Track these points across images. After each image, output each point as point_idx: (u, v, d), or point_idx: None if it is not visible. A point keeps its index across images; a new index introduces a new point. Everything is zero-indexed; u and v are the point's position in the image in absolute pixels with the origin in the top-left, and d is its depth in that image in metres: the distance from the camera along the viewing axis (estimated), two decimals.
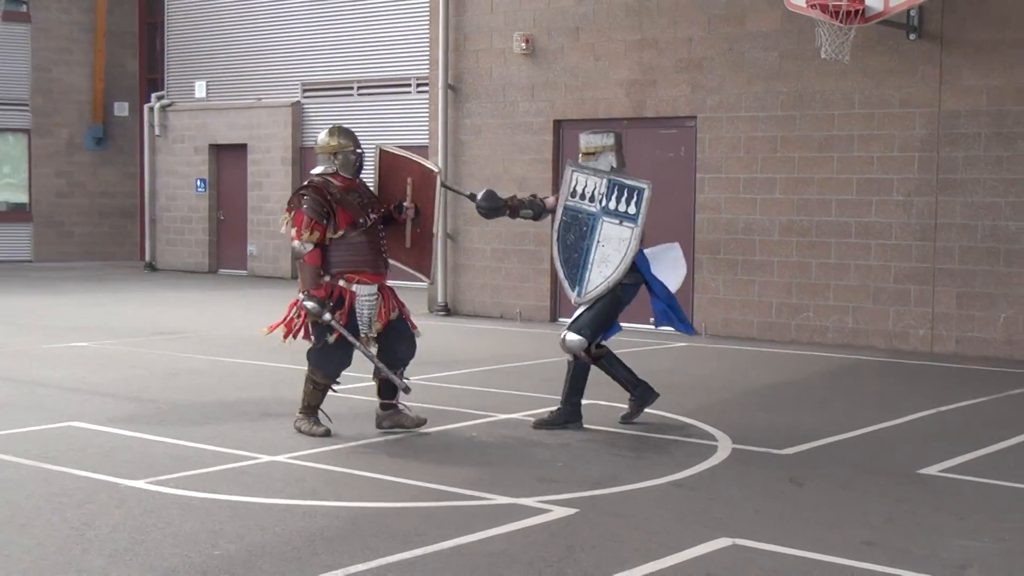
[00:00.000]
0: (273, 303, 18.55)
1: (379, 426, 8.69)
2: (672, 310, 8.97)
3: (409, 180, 8.78)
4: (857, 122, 14.10)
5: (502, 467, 7.65)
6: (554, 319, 16.15)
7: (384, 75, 22.10)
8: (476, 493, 6.86)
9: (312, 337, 8.46)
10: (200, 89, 25.04)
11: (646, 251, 9.07)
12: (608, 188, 8.86)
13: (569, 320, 9.13)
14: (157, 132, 25.59)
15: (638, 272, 8.94)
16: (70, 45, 27.18)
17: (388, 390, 8.68)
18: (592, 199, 8.89)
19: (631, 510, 6.57)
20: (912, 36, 13.70)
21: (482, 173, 16.94)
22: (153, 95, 26.07)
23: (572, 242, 8.92)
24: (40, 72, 26.83)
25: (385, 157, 9.09)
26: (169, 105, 25.55)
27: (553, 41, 16.29)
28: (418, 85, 21.19)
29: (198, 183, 24.93)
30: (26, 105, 26.78)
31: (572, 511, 6.48)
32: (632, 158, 15.59)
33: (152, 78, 27.57)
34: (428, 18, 17.90)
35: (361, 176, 8.75)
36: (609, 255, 8.82)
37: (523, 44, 16.40)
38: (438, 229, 8.93)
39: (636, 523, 6.30)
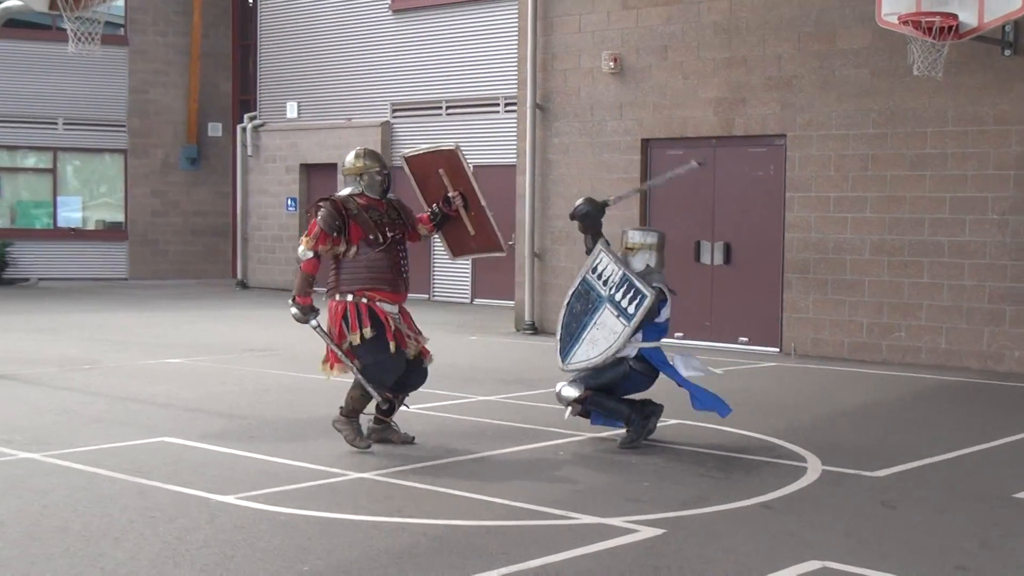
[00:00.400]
0: None
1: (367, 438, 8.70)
2: (704, 394, 8.88)
3: (441, 171, 9.00)
4: (950, 140, 13.90)
5: (588, 486, 7.63)
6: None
7: (472, 95, 22.23)
8: (562, 512, 6.84)
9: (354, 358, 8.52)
10: (292, 110, 25.38)
11: (677, 357, 8.98)
12: (620, 281, 8.88)
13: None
14: (249, 152, 25.97)
15: (647, 363, 8.90)
16: (166, 67, 27.71)
17: (387, 409, 8.74)
18: (606, 283, 8.95)
19: (719, 531, 6.51)
20: (1007, 52, 13.47)
21: (569, 192, 16.94)
22: (246, 116, 26.47)
23: (576, 312, 9.06)
24: (137, 94, 27.38)
25: (412, 163, 9.30)
26: (261, 125, 25.92)
27: (641, 60, 16.27)
28: (506, 104, 21.28)
29: (289, 202, 25.25)
30: (123, 126, 27.33)
31: (659, 531, 6.44)
32: (720, 177, 15.63)
33: (245, 99, 28.01)
34: (516, 38, 17.98)
35: (392, 195, 8.95)
36: (598, 340, 8.87)
37: (611, 63, 16.40)
38: (487, 206, 9.12)
39: (724, 544, 6.24)
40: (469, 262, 22.25)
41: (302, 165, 25.06)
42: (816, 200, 14.84)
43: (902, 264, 14.23)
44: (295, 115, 25.31)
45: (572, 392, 8.89)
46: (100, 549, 5.98)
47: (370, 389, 8.52)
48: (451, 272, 22.60)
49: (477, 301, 22.13)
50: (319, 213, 8.54)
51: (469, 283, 22.36)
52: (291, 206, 25.14)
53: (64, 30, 12.14)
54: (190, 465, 7.99)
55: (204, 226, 28.29)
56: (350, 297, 8.54)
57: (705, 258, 15.76)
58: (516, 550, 6.04)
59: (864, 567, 5.84)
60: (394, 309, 8.68)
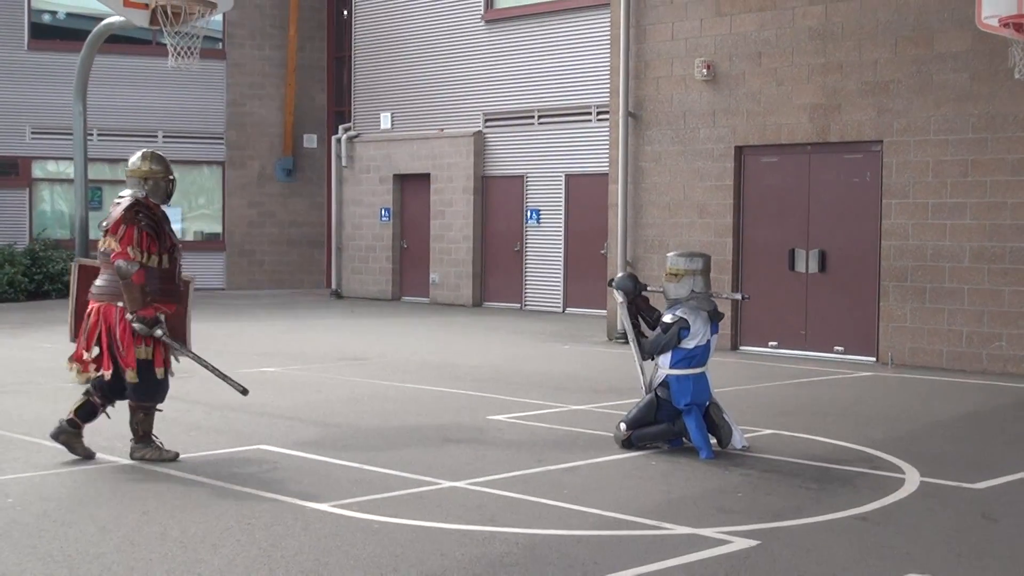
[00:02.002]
0: (454, 330, 18.80)
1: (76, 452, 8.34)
2: (699, 437, 8.82)
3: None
4: None
5: (681, 496, 7.58)
6: (735, 347, 15.95)
7: (565, 103, 22.23)
8: (654, 522, 6.80)
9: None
10: (385, 120, 25.60)
11: (736, 431, 9.04)
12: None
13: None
14: (344, 163, 26.23)
15: (667, 389, 9.00)
16: (262, 80, 28.13)
17: (85, 412, 8.34)
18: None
19: (814, 543, 6.42)
20: None
21: (661, 200, 16.88)
22: (340, 127, 26.75)
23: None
24: (234, 107, 27.83)
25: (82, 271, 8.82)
26: (356, 136, 26.18)
27: (735, 67, 16.15)
28: (598, 113, 21.26)
29: (382, 212, 25.46)
30: (221, 138, 27.79)
31: (753, 543, 6.37)
32: (816, 183, 15.46)
33: (339, 110, 28.33)
34: (609, 46, 17.95)
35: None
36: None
37: (704, 70, 16.30)
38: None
39: (820, 557, 6.16)
40: (562, 271, 22.26)
41: (395, 175, 25.26)
42: (914, 207, 14.60)
43: (1003, 271, 13.95)
44: (389, 126, 25.52)
45: (620, 431, 9.07)
46: (198, 555, 6.07)
47: (233, 383, 8.49)
48: (543, 281, 22.62)
49: (569, 310, 22.11)
50: (140, 220, 8.14)
51: (561, 292, 22.35)
52: (385, 216, 25.35)
53: (164, 45, 12.36)
54: (285, 473, 8.08)
55: (299, 236, 28.65)
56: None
57: (800, 266, 15.59)
58: (607, 560, 6.02)
59: None
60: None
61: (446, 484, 7.77)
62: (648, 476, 8.19)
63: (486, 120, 23.63)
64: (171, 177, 8.55)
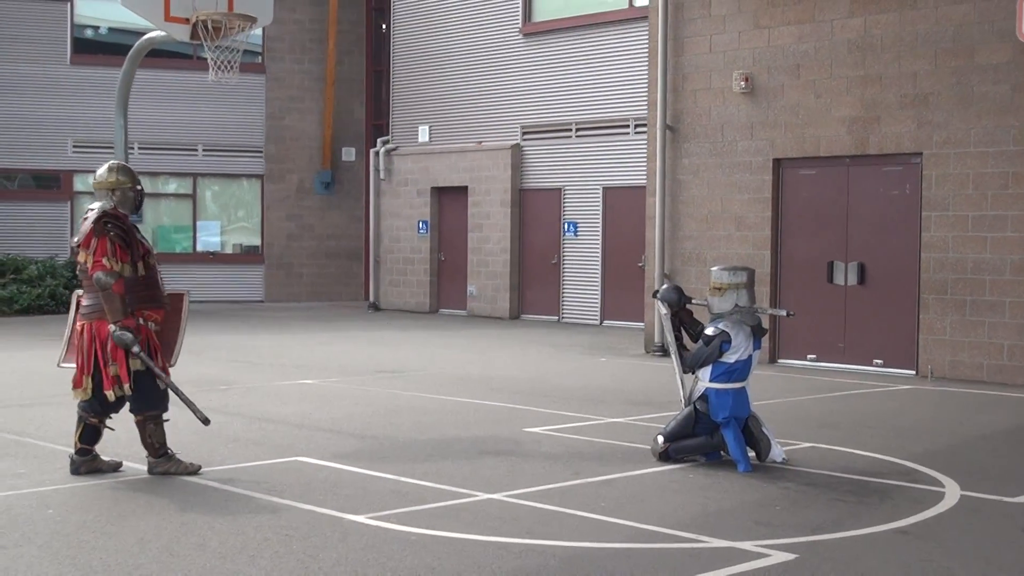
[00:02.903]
0: (492, 342, 18.82)
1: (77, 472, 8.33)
2: (737, 450, 8.77)
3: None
4: None
5: (718, 509, 7.55)
6: (773, 360, 15.88)
7: (602, 116, 22.24)
8: (692, 535, 6.78)
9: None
10: (423, 134, 25.68)
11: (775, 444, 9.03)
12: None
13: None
14: (382, 176, 26.33)
15: (706, 402, 8.97)
16: (302, 94, 28.29)
17: (88, 435, 8.32)
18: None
19: (854, 557, 6.39)
20: None
21: (699, 213, 16.85)
22: (379, 140, 26.86)
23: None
24: (273, 120, 28.00)
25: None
26: (394, 149, 26.28)
27: (773, 79, 16.11)
28: (636, 126, 21.25)
29: (420, 225, 25.54)
30: (260, 152, 27.97)
31: (791, 556, 6.34)
32: (854, 196, 15.39)
33: (378, 124, 28.44)
34: (647, 59, 17.95)
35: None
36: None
37: (742, 83, 16.27)
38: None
39: (859, 570, 6.12)
40: (599, 283, 22.25)
41: (433, 188, 25.33)
42: (954, 219, 14.51)
43: None
44: (427, 139, 25.61)
45: (657, 444, 9.06)
46: (236, 566, 6.10)
47: (197, 412, 8.33)
48: (581, 294, 22.61)
49: (606, 323, 22.08)
50: (110, 231, 8.12)
51: (599, 305, 22.34)
52: (423, 229, 25.42)
53: (205, 59, 12.47)
54: (323, 484, 8.11)
55: (337, 249, 28.77)
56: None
57: (839, 279, 15.51)
58: (644, 573, 6.01)
59: None
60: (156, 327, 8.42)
61: (483, 496, 7.78)
62: (686, 489, 8.16)
63: (524, 133, 23.66)
64: (138, 187, 8.51)
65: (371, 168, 26.73)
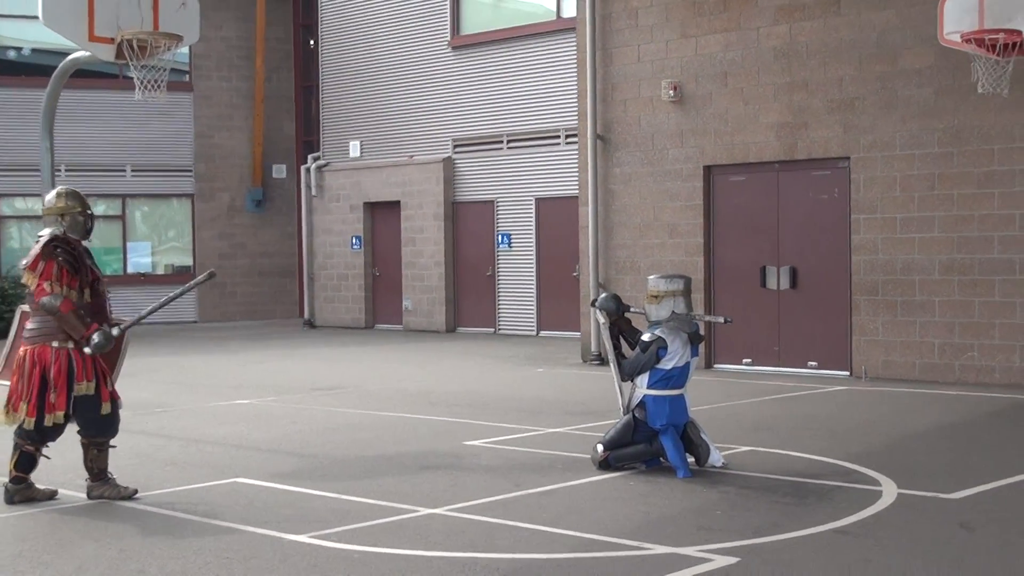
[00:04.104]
0: (429, 356, 18.78)
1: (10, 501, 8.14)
2: (675, 455, 8.84)
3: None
4: (1018, 156, 13.73)
5: (660, 516, 7.58)
6: (709, 365, 15.99)
7: (533, 127, 22.30)
8: (635, 543, 6.80)
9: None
10: (354, 149, 25.61)
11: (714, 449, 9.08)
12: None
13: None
14: (314, 192, 26.22)
15: (644, 409, 9.00)
16: (230, 111, 28.10)
17: (24, 463, 8.13)
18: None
19: (794, 558, 6.44)
20: None
21: (632, 221, 16.93)
22: (310, 156, 26.77)
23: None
24: (202, 139, 27.78)
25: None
26: (325, 165, 26.17)
27: (701, 87, 16.24)
28: (567, 136, 21.33)
29: (353, 241, 25.44)
30: (190, 171, 27.73)
31: (733, 560, 6.38)
32: (785, 201, 15.55)
33: (308, 140, 28.33)
34: (576, 70, 18.02)
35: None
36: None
37: (671, 91, 16.39)
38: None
39: (800, 572, 6.17)
40: (534, 294, 22.29)
41: (366, 203, 25.25)
42: (882, 221, 14.70)
43: (972, 283, 14.05)
44: (358, 154, 25.54)
45: (597, 453, 9.08)
46: None
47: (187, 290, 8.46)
48: (516, 305, 22.63)
49: (543, 333, 22.12)
50: (58, 255, 8.07)
51: (535, 315, 22.37)
52: (356, 245, 25.33)
53: (131, 79, 12.33)
54: (262, 505, 8.04)
55: (271, 267, 28.59)
56: (71, 344, 8.07)
57: (771, 283, 15.66)
58: None
59: None
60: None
61: (424, 512, 7.75)
62: (626, 497, 8.19)
63: (455, 146, 23.67)
64: (88, 212, 8.47)
65: (303, 184, 26.61)
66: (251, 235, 28.37)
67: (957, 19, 13.15)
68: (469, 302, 23.51)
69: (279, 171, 28.56)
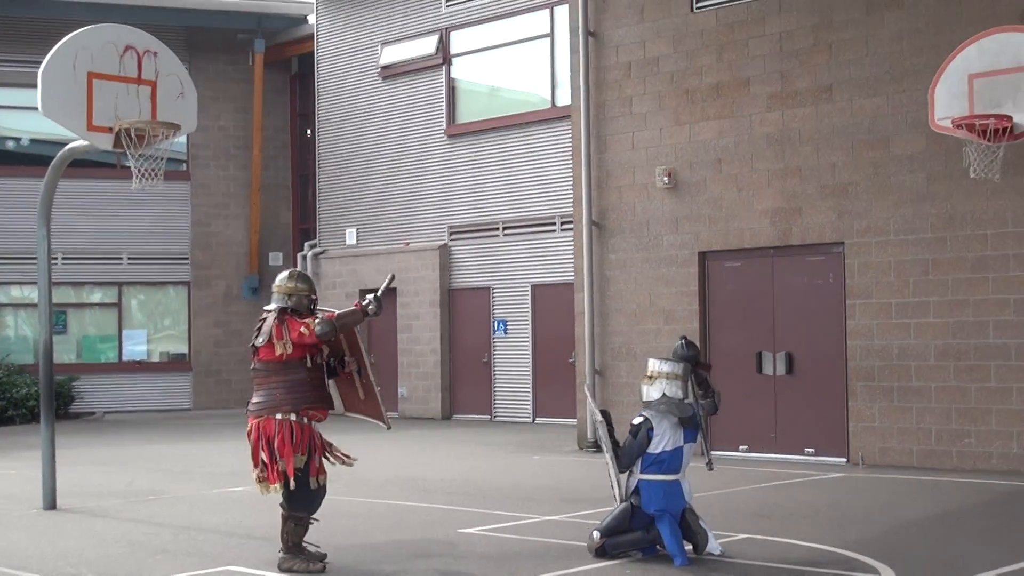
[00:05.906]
0: (424, 443, 18.68)
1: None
2: (673, 543, 8.77)
3: (342, 335, 8.95)
4: (1012, 241, 13.78)
5: None
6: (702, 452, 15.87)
7: (529, 214, 22.41)
8: None
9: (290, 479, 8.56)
10: (351, 236, 25.70)
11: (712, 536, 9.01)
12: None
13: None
14: None
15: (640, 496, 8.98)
16: (227, 200, 28.23)
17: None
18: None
19: None
20: None
21: (628, 307, 16.95)
22: (306, 244, 26.85)
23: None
24: (199, 227, 27.87)
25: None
26: (321, 253, 26.25)
27: (695, 174, 16.35)
28: (562, 223, 21.42)
29: None
30: (186, 259, 27.79)
31: None
32: (780, 286, 15.58)
33: (304, 227, 28.44)
34: (571, 157, 18.16)
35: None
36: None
37: (665, 178, 16.50)
38: (375, 382, 9.33)
39: None
40: (530, 381, 22.24)
41: (362, 290, 25.26)
42: (877, 307, 14.72)
43: (968, 368, 14.03)
44: (354, 241, 25.63)
45: (593, 540, 8.99)
46: None
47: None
48: (512, 392, 22.57)
49: (539, 420, 22.03)
50: (289, 315, 8.70)
51: (531, 402, 22.29)
52: None
53: (128, 168, 12.40)
54: None
55: None
56: (293, 416, 8.65)
57: (767, 369, 15.63)
58: None
59: None
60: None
61: None
62: None
63: (451, 233, 23.76)
64: (314, 296, 8.96)
65: None
66: (247, 322, 28.26)
67: (947, 105, 13.30)
68: (465, 389, 23.44)
69: (275, 259, 28.61)
